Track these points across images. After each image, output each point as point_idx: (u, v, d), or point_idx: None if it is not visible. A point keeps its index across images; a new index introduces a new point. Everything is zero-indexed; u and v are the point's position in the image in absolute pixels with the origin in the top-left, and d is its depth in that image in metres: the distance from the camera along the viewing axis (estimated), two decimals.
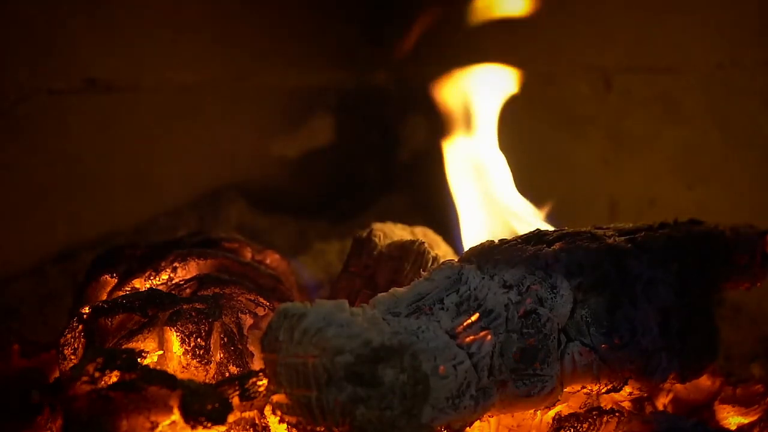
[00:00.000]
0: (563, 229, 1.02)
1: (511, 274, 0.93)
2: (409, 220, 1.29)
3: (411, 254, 1.09)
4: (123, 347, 0.97)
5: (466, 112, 1.30)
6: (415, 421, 0.81)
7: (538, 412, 0.99)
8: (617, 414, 0.97)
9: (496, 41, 1.55)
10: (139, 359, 0.92)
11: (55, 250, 1.56)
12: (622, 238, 0.98)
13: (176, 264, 1.11)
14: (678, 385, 1.06)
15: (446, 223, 1.28)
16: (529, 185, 1.27)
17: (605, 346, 0.92)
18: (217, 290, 1.07)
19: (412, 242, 1.10)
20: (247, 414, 0.95)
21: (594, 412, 0.97)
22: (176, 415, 0.85)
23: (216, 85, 1.79)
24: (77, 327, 1.02)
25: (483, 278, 0.92)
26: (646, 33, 1.59)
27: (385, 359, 0.80)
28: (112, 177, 1.63)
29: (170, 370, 0.96)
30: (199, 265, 1.12)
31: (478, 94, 1.32)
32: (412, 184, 2.08)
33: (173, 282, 1.10)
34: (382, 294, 0.91)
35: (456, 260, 0.98)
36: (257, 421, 0.96)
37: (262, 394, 0.89)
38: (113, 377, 0.88)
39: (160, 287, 1.08)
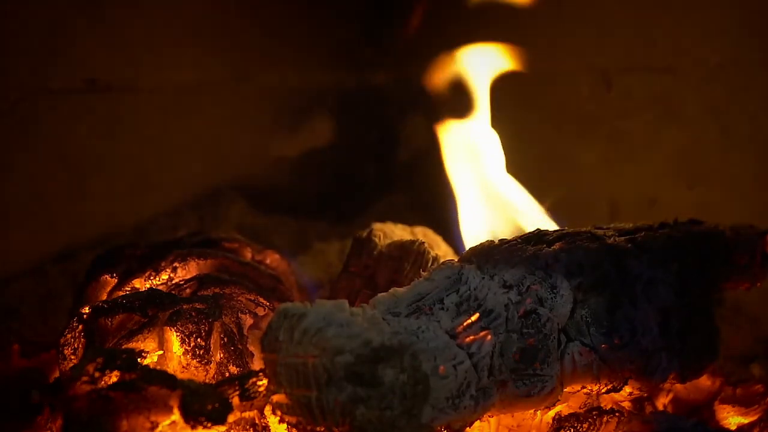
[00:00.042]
0: (563, 229, 1.02)
1: (511, 274, 0.93)
2: (409, 220, 1.29)
3: (411, 254, 1.09)
4: (123, 347, 0.97)
5: (458, 95, 1.30)
6: (415, 421, 0.81)
7: (538, 412, 0.99)
8: (617, 414, 0.97)
9: (497, 41, 1.55)
10: (139, 359, 0.92)
11: (55, 250, 1.56)
12: (622, 238, 0.98)
13: (176, 264, 1.11)
14: (678, 385, 1.06)
15: (446, 223, 1.28)
16: (529, 185, 1.26)
17: (605, 346, 0.92)
18: (217, 290, 1.07)
19: (412, 242, 1.10)
20: (247, 414, 0.95)
21: (594, 412, 0.97)
22: (176, 415, 0.85)
23: (216, 85, 1.79)
24: (77, 327, 1.02)
25: (483, 278, 0.92)
26: (646, 33, 1.59)
27: (385, 359, 0.80)
28: (112, 177, 1.63)
29: (170, 370, 0.96)
30: (199, 265, 1.12)
31: (469, 74, 1.32)
32: (412, 184, 2.07)
33: (173, 282, 1.10)
34: (382, 294, 0.91)
35: (456, 260, 0.98)
36: (257, 421, 0.96)
37: (262, 394, 0.89)
38: (113, 377, 0.88)
39: (160, 287, 1.08)
